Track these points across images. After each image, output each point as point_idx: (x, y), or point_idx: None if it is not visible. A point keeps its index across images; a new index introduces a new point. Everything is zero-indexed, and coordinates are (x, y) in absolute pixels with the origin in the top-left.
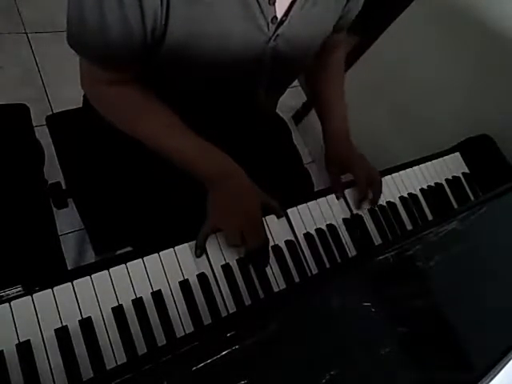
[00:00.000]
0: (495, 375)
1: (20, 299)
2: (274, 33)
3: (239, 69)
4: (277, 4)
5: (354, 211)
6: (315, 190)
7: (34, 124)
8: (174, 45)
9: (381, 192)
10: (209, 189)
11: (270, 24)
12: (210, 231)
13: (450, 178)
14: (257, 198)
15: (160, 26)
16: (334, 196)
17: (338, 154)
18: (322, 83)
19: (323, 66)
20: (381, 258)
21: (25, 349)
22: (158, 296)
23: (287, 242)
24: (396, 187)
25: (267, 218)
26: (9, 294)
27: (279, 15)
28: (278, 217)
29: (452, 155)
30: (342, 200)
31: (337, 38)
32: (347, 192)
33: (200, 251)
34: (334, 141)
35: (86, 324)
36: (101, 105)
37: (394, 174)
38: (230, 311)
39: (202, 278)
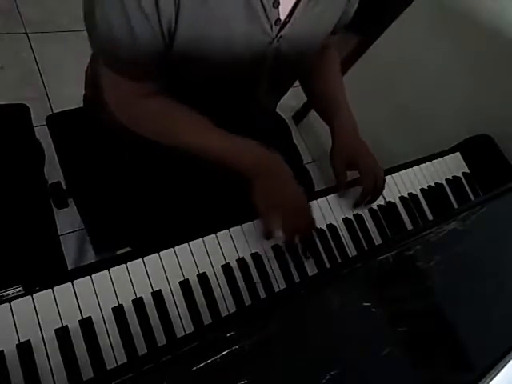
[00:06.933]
0: (495, 375)
1: (20, 299)
2: (277, 34)
3: (242, 69)
4: (280, 6)
5: (354, 211)
6: (315, 189)
7: (34, 124)
8: (181, 46)
9: (382, 191)
10: (253, 179)
11: (274, 26)
12: (266, 217)
13: (450, 177)
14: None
15: (172, 29)
16: (334, 196)
17: (347, 149)
18: (323, 82)
19: (319, 65)
20: (381, 257)
21: (25, 349)
22: (158, 296)
23: None
24: (396, 187)
25: None
26: (9, 294)
27: (282, 17)
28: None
29: (452, 155)
30: (342, 200)
31: (330, 39)
32: (345, 193)
33: (269, 236)
34: (343, 136)
35: (86, 324)
36: (131, 119)
37: (394, 174)
38: (230, 311)
39: (202, 278)
